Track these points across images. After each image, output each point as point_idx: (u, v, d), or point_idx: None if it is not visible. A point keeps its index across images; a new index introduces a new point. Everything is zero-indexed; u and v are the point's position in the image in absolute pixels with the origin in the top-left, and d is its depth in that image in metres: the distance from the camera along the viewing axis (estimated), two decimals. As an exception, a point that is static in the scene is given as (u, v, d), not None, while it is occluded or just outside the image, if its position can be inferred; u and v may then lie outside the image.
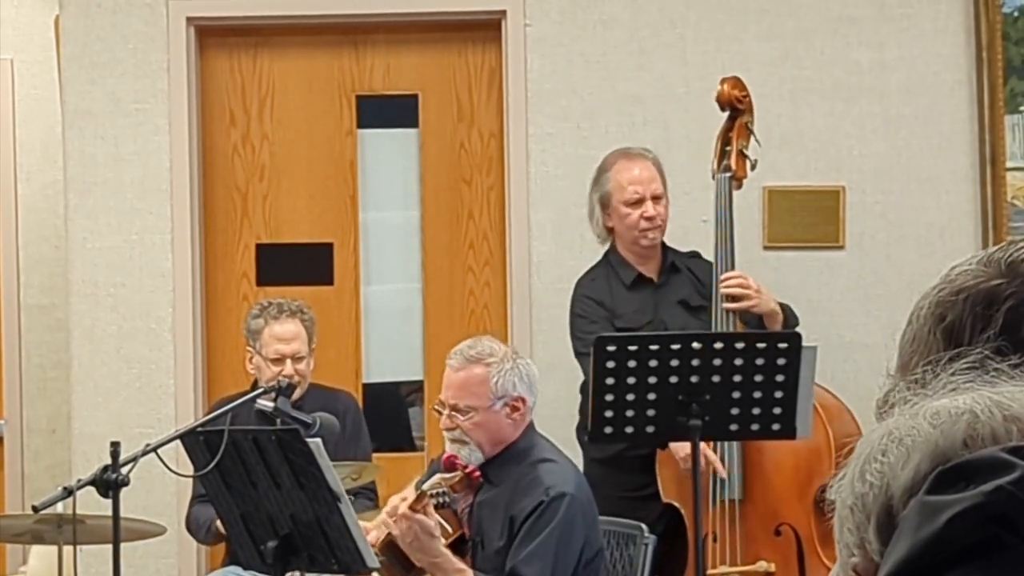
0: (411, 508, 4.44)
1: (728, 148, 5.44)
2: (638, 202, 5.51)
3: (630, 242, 5.57)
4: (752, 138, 5.46)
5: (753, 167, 5.45)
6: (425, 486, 4.47)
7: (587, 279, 5.64)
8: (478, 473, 4.55)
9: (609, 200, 5.56)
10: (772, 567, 5.16)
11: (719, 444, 5.22)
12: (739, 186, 5.47)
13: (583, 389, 5.44)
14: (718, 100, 5.49)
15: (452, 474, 4.52)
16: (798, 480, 5.20)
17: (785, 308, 5.45)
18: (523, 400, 4.66)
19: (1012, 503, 1.12)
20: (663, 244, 5.62)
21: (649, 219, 5.51)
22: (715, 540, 5.19)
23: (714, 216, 5.43)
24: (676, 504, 5.27)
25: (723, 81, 5.51)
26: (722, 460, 5.22)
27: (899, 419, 1.23)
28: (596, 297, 5.55)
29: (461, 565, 4.51)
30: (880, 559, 1.18)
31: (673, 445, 5.23)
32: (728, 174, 5.41)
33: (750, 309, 5.35)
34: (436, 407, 4.78)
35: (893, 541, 1.15)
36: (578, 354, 5.50)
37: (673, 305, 5.52)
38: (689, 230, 5.85)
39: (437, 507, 4.45)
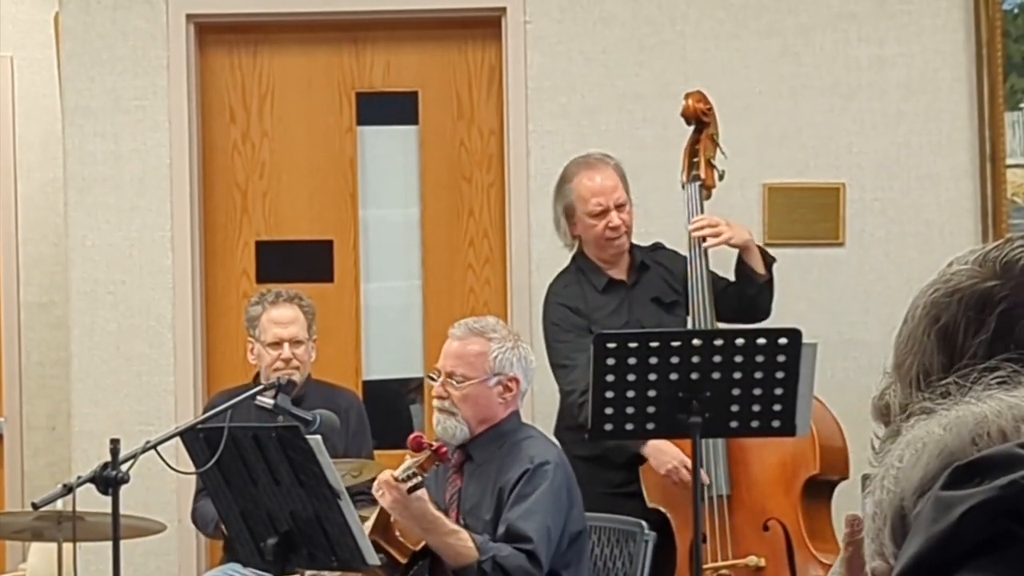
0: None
1: (696, 159, 5.53)
2: (602, 213, 5.51)
3: (598, 249, 5.57)
4: (718, 149, 5.55)
5: (721, 177, 5.54)
6: (396, 472, 4.45)
7: (559, 284, 5.63)
8: (444, 448, 4.54)
9: (573, 211, 5.56)
10: (762, 561, 5.17)
11: (704, 442, 5.18)
12: (708, 196, 5.55)
13: (562, 390, 5.45)
14: (683, 115, 5.57)
15: (420, 454, 4.51)
16: (784, 475, 5.22)
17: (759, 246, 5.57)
18: (517, 381, 4.69)
19: (1027, 498, 1.11)
20: (631, 244, 5.63)
21: (614, 228, 5.51)
22: (704, 540, 5.17)
23: (687, 225, 5.49)
24: (662, 509, 5.27)
25: (687, 96, 5.59)
26: (707, 457, 5.20)
27: (916, 429, 1.23)
28: (571, 304, 5.54)
29: (454, 526, 4.51)
30: (896, 561, 1.17)
31: (652, 459, 5.23)
32: (698, 183, 5.50)
33: (728, 242, 5.41)
34: (431, 374, 4.79)
35: (908, 538, 1.15)
36: (553, 365, 5.49)
37: (647, 303, 5.54)
38: (684, 229, 5.82)
39: (411, 490, 4.43)
